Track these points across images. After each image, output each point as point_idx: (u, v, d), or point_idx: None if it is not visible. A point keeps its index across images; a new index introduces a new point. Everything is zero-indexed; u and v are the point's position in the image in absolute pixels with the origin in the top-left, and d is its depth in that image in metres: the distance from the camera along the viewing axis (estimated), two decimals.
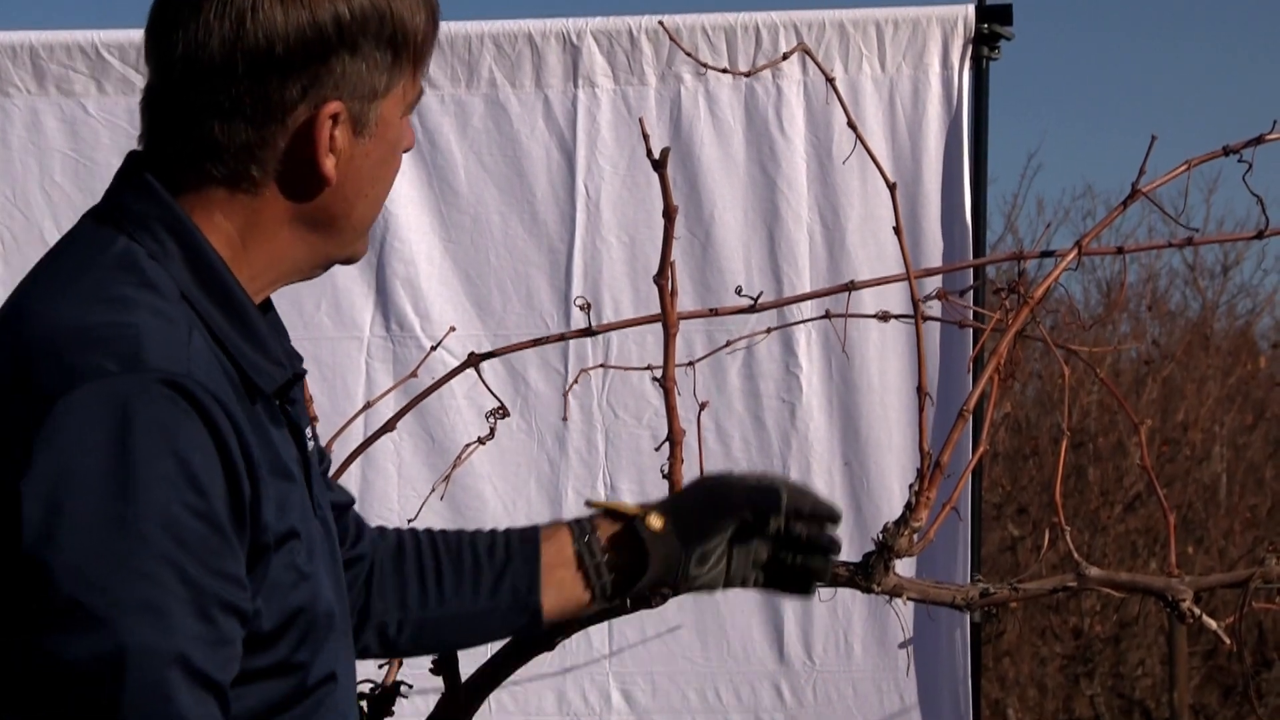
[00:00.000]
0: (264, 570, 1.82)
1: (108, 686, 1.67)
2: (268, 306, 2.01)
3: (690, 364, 4.06)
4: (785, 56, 4.72)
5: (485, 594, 2.33)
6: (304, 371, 2.03)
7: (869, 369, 4.98)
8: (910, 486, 2.91)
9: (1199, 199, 12.62)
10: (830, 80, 3.82)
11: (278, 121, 1.88)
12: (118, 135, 5.12)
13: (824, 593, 4.48)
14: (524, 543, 2.36)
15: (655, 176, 2.93)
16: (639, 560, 2.34)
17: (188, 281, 1.87)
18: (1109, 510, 10.46)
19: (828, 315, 4.21)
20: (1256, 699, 9.61)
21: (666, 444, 3.04)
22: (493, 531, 2.41)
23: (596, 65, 5.03)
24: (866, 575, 2.92)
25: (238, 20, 1.84)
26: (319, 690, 1.92)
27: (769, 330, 4.74)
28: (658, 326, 3.10)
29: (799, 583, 2.44)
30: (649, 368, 3.05)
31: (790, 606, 4.99)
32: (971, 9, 5.02)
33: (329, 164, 1.90)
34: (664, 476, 3.02)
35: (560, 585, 2.35)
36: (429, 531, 2.40)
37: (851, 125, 3.43)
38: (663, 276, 3.02)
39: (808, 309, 4.69)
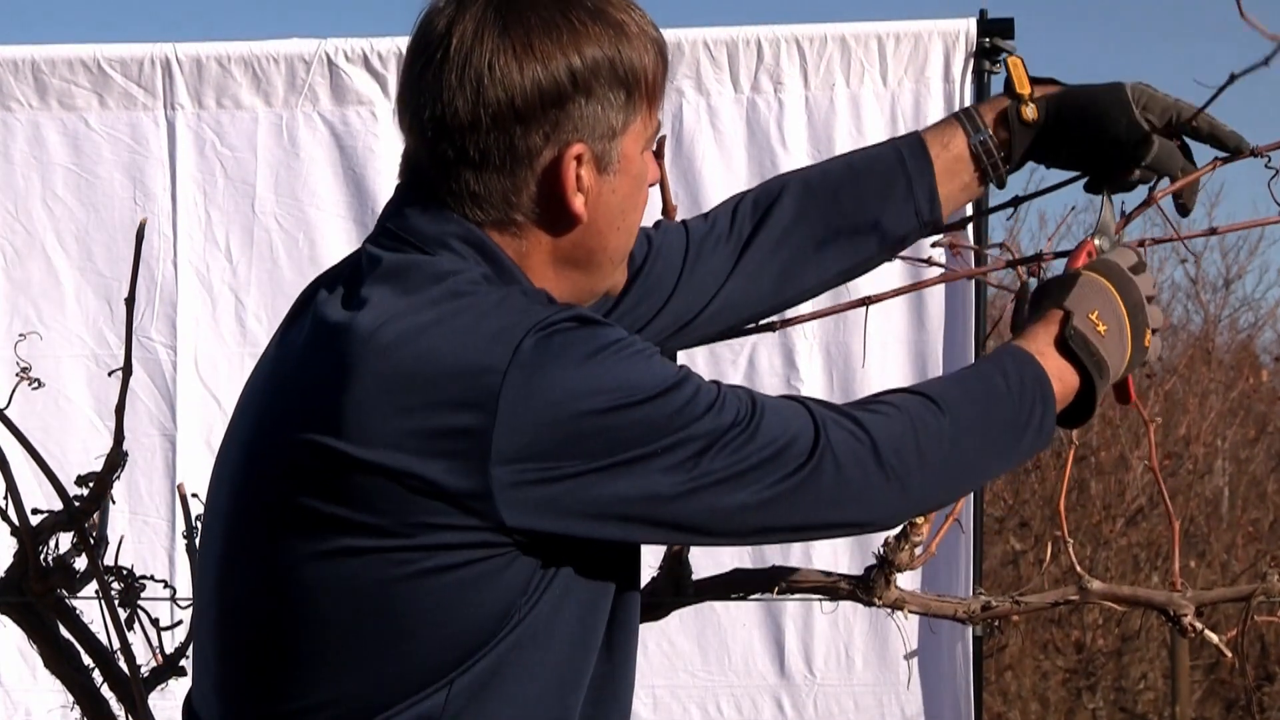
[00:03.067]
0: None
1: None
2: None
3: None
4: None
5: (882, 211, 2.54)
6: None
7: (870, 382, 4.98)
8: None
9: (1202, 211, 12.63)
10: None
11: (526, 167, 1.99)
12: (119, 149, 5.13)
13: (825, 605, 4.48)
14: (914, 158, 2.53)
15: (656, 188, 2.93)
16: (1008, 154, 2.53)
17: (495, 282, 2.00)
18: (1111, 524, 10.45)
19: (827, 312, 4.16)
20: (1259, 713, 9.60)
21: None
22: (868, 153, 2.60)
23: None
24: (867, 589, 2.92)
25: (477, 79, 1.97)
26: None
27: (780, 326, 4.73)
28: None
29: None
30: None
31: (791, 620, 4.99)
32: (973, 23, 5.02)
33: (578, 202, 2.01)
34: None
35: (962, 185, 2.55)
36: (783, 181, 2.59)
37: None
38: None
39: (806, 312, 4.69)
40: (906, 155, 2.53)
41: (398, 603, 1.89)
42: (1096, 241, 2.44)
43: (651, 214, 5.41)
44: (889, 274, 2.94)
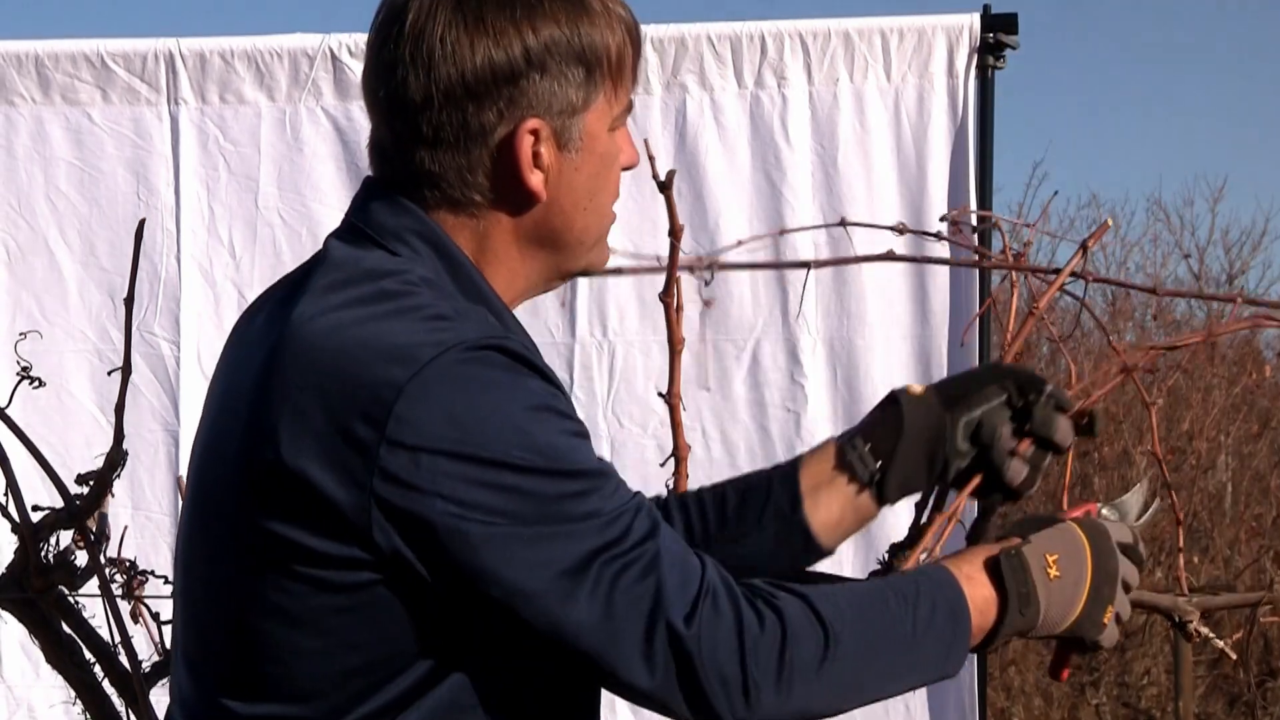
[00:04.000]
0: None
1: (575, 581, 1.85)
2: None
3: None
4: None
5: (751, 527, 2.31)
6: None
7: (874, 378, 4.98)
8: (916, 504, 2.90)
9: (1204, 208, 12.62)
10: None
11: (480, 145, 1.97)
12: (122, 144, 5.12)
13: None
14: (783, 468, 2.32)
15: (664, 194, 2.93)
16: (899, 429, 2.26)
17: (445, 282, 1.98)
18: None
19: (843, 223, 3.99)
20: (1262, 709, 9.60)
21: (671, 460, 3.03)
22: (749, 474, 2.41)
23: None
24: None
25: (429, 56, 1.95)
26: None
27: (779, 233, 4.74)
28: (663, 340, 3.09)
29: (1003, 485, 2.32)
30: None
31: None
32: (977, 18, 5.02)
33: (535, 179, 1.98)
34: (669, 491, 3.02)
35: (830, 492, 2.29)
36: (686, 493, 2.42)
37: None
38: (668, 294, 3.02)
39: (811, 297, 4.70)
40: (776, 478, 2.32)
41: (311, 620, 1.87)
42: (1104, 511, 2.29)
43: (657, 222, 5.44)
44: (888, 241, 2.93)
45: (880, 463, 2.27)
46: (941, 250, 4.87)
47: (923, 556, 2.62)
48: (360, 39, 5.16)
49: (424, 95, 1.95)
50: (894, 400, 2.27)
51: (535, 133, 1.96)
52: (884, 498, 2.30)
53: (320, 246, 2.06)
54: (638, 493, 1.96)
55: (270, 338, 1.93)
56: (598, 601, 1.85)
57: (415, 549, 1.83)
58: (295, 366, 1.88)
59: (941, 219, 4.25)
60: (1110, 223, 2.45)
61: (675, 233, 2.95)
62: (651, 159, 3.02)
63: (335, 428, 1.84)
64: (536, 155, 1.97)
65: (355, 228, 2.01)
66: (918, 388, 2.29)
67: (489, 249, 2.00)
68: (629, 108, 2.06)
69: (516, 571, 1.84)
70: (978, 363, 4.72)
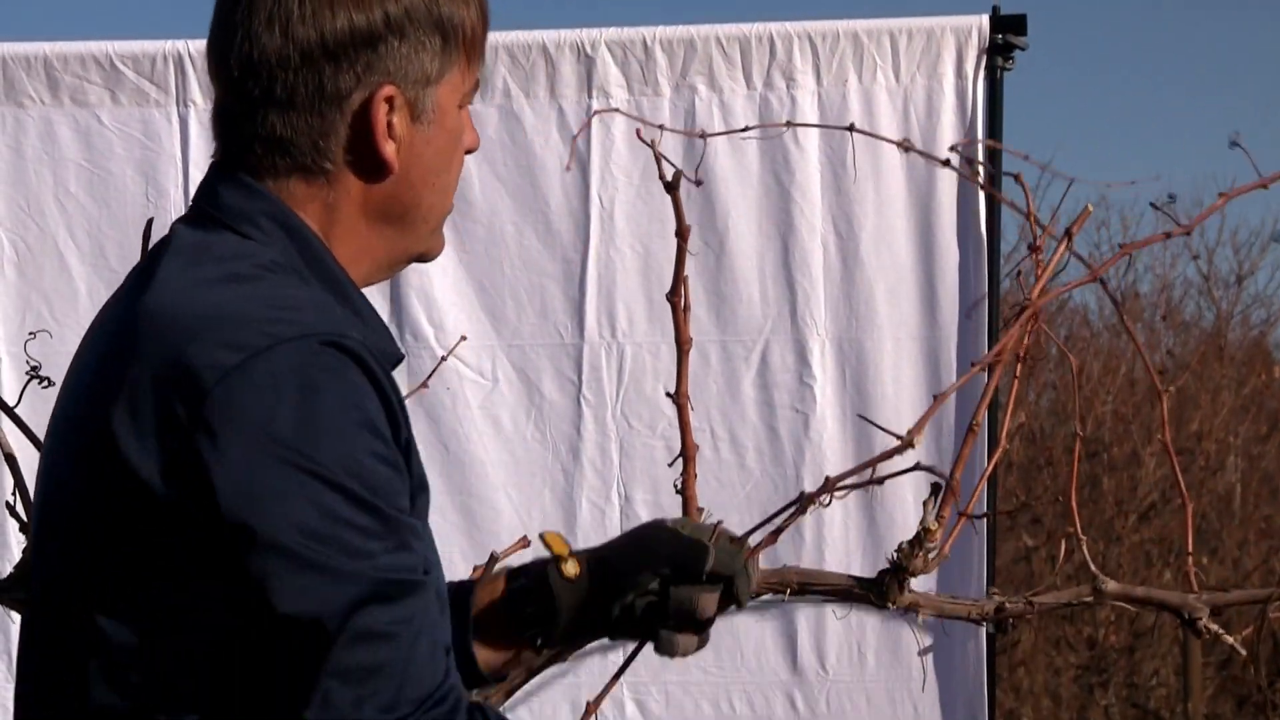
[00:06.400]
0: (416, 505, 1.90)
1: (336, 631, 1.77)
2: None
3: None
4: None
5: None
6: (403, 355, 2.06)
7: (883, 379, 4.98)
8: (925, 503, 2.90)
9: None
10: None
11: (335, 109, 1.93)
12: (131, 146, 5.13)
13: (838, 610, 4.48)
14: (459, 593, 2.22)
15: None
16: (554, 611, 2.22)
17: (300, 268, 1.93)
18: (1123, 520, 10.44)
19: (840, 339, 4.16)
20: (1271, 709, 9.59)
21: (680, 460, 3.04)
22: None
23: (610, 76, 5.03)
24: (880, 594, 2.91)
25: (286, 17, 1.91)
26: None
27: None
28: (671, 340, 3.10)
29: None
30: None
31: (803, 616, 4.99)
32: (986, 19, 5.02)
33: (389, 148, 1.95)
34: (678, 491, 3.02)
35: (491, 634, 2.23)
36: None
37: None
38: (676, 294, 3.03)
39: (820, 298, 4.70)
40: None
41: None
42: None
43: (666, 223, 5.44)
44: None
45: (537, 629, 2.22)
46: (950, 180, 4.89)
47: (931, 557, 2.62)
48: None
49: (280, 57, 1.91)
50: (544, 579, 2.21)
51: (390, 100, 1.93)
52: (544, 647, 2.26)
53: None
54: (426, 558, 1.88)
55: (115, 322, 1.91)
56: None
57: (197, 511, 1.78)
58: (136, 345, 1.85)
59: (951, 148, 4.24)
60: (1090, 209, 2.48)
61: (682, 233, 2.95)
62: (659, 159, 3.02)
63: (158, 399, 1.79)
64: (390, 125, 1.94)
65: (204, 212, 1.96)
66: (573, 569, 2.21)
67: (338, 221, 1.96)
68: (476, 85, 2.04)
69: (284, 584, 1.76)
70: (983, 363, 4.70)
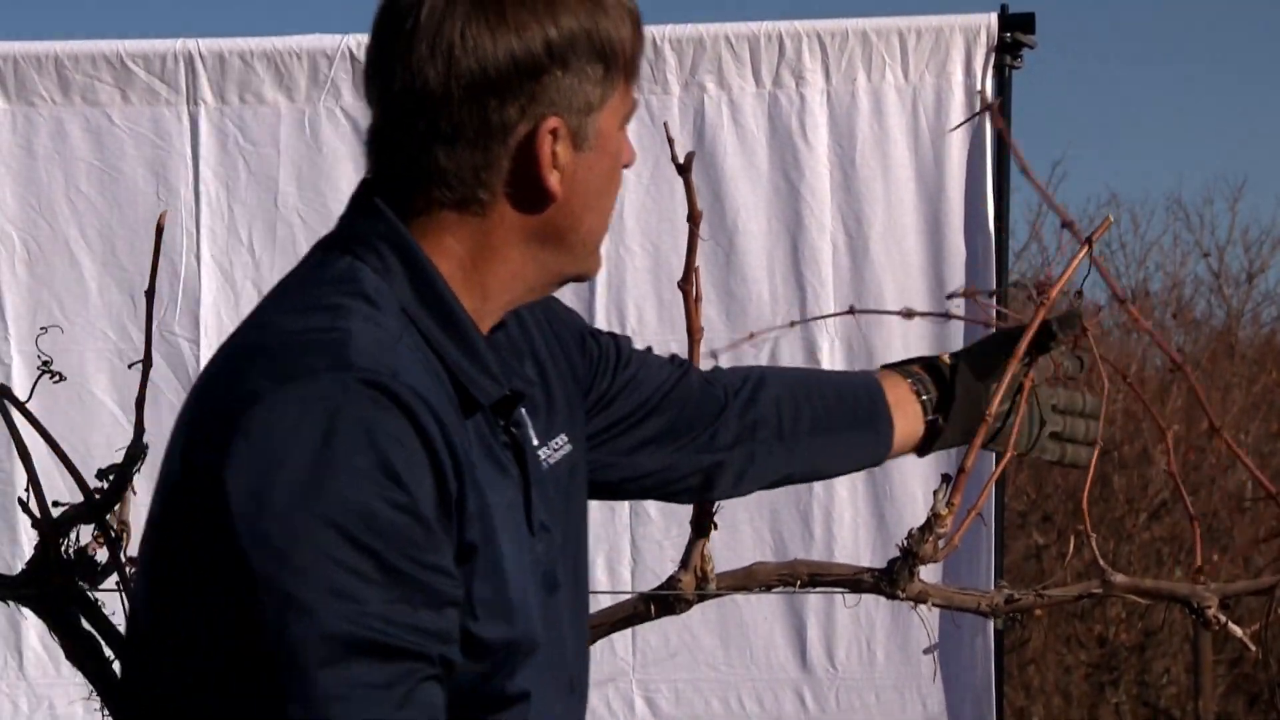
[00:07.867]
0: (471, 567, 1.85)
1: (299, 668, 1.73)
2: (502, 325, 2.04)
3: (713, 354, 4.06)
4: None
5: (844, 425, 2.54)
6: (525, 392, 2.04)
7: None
8: (935, 492, 2.91)
9: (1224, 207, 12.60)
10: None
11: (499, 142, 1.91)
12: (142, 145, 5.14)
13: (848, 599, 4.49)
14: (868, 380, 2.61)
15: (678, 185, 2.93)
16: (947, 391, 2.62)
17: (409, 297, 1.91)
18: (1134, 518, 10.44)
19: (852, 310, 4.20)
20: None
21: None
22: (829, 376, 2.77)
23: None
24: (891, 582, 2.92)
25: (449, 49, 1.88)
26: (511, 707, 1.93)
27: (793, 324, 4.76)
28: (682, 335, 3.10)
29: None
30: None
31: (813, 613, 4.99)
32: (994, 18, 5.02)
33: (553, 179, 1.93)
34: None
35: (905, 415, 2.59)
36: (775, 386, 2.54)
37: None
38: (687, 282, 3.03)
39: (829, 296, 4.72)
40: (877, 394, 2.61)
41: None
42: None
43: (675, 221, 5.43)
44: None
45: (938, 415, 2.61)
46: (959, 178, 4.93)
47: (941, 544, 2.64)
48: None
49: (443, 90, 1.88)
50: (933, 365, 2.63)
51: (555, 132, 1.91)
52: (929, 444, 2.63)
53: None
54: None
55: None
56: None
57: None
58: (211, 360, 1.91)
59: (949, 297, 4.31)
60: (1111, 220, 2.65)
61: (694, 218, 2.95)
62: (671, 142, 3.02)
63: (201, 414, 1.84)
64: (554, 155, 1.92)
65: (337, 230, 1.98)
66: (946, 357, 2.65)
67: (490, 247, 1.94)
68: (635, 106, 2.03)
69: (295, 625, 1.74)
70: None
